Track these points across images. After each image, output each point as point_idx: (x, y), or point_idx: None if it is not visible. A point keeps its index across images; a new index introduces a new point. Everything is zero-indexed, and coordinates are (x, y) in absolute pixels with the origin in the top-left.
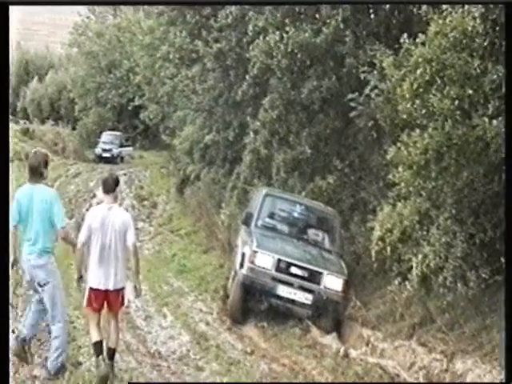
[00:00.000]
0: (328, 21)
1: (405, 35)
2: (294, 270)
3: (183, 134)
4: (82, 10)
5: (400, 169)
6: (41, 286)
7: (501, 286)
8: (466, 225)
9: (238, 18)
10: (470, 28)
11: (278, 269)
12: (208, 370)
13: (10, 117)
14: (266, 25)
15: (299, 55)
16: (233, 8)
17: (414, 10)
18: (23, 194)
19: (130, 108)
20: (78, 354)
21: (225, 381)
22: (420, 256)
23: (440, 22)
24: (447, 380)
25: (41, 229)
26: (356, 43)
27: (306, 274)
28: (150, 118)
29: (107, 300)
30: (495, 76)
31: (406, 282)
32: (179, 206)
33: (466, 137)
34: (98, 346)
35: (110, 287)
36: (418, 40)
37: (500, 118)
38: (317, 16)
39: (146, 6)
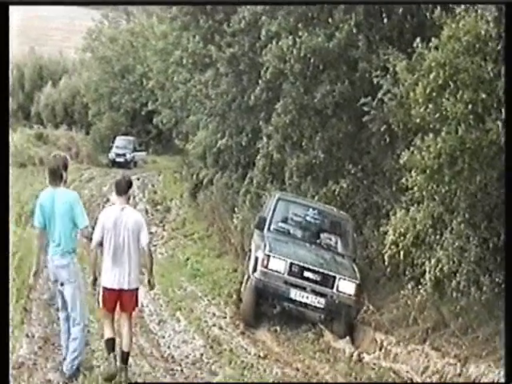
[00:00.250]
0: (341, 25)
1: (418, 39)
2: (306, 273)
3: (196, 139)
4: (96, 15)
5: (413, 173)
6: (62, 285)
7: None
8: (479, 229)
9: (250, 23)
10: (483, 32)
11: (290, 273)
12: (221, 374)
13: (24, 122)
14: (279, 29)
15: (312, 60)
16: (246, 13)
17: (427, 14)
18: (45, 197)
19: (143, 113)
20: (91, 358)
21: None
22: (433, 260)
23: (453, 26)
24: None
25: (63, 230)
26: (369, 47)
27: (318, 278)
28: (163, 122)
29: (120, 300)
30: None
31: (420, 287)
32: (192, 210)
33: (479, 141)
34: (110, 343)
35: (125, 286)
36: (431, 44)
37: None
38: (330, 20)
39: (159, 11)
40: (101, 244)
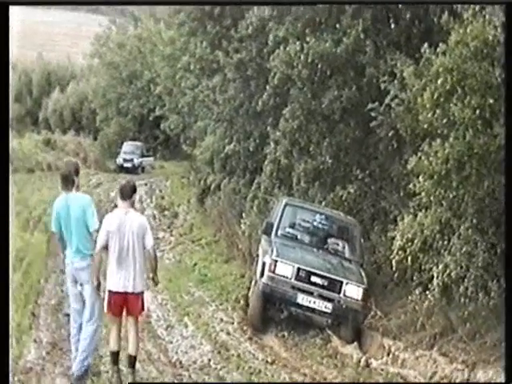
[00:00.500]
0: (348, 31)
1: (425, 45)
2: (313, 278)
3: (204, 144)
4: (104, 20)
5: (421, 178)
6: (82, 285)
7: None
8: (487, 234)
9: (258, 29)
10: (490, 37)
11: (297, 278)
12: (229, 379)
13: (32, 127)
14: (287, 35)
15: (320, 65)
16: (253, 18)
17: (435, 19)
18: (60, 203)
19: (150, 118)
20: (99, 364)
21: None
22: (441, 266)
23: (461, 31)
24: None
25: (79, 233)
26: (376, 53)
27: (325, 283)
28: (171, 128)
29: (126, 304)
30: None
31: (427, 292)
32: (200, 215)
33: (487, 146)
34: (114, 355)
35: (130, 290)
36: (438, 49)
37: None
38: (337, 26)
39: (166, 17)
40: (105, 248)
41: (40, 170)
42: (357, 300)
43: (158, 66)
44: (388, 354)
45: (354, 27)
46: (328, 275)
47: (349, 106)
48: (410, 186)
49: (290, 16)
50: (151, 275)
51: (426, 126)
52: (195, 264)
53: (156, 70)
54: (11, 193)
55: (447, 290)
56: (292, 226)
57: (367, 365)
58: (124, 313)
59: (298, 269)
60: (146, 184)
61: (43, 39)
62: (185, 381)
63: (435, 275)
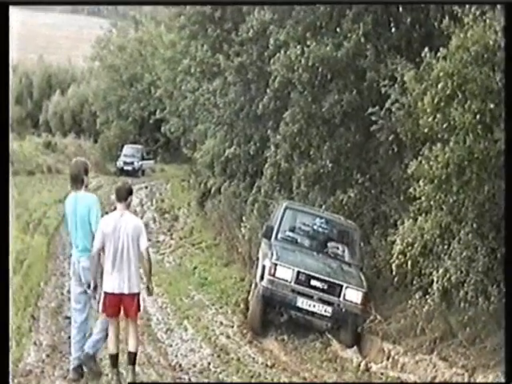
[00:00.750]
0: (349, 35)
1: (426, 49)
2: (313, 282)
3: (204, 148)
4: (105, 23)
5: (421, 183)
6: (89, 285)
7: None
8: (487, 239)
9: (259, 32)
10: (491, 42)
11: (297, 281)
12: (229, 382)
13: (33, 130)
14: (287, 39)
15: (320, 69)
16: (254, 22)
17: (436, 23)
18: (68, 202)
19: (151, 121)
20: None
21: None
22: (441, 270)
23: (461, 35)
24: None
25: (85, 233)
26: (377, 57)
27: (325, 287)
28: (171, 131)
29: (123, 305)
30: None
31: (427, 296)
32: (200, 219)
33: (487, 151)
34: (113, 358)
35: (125, 291)
36: (439, 54)
37: None
38: (338, 30)
39: (167, 20)
40: (102, 250)
41: (40, 173)
42: (356, 304)
43: (159, 68)
44: (388, 358)
45: (355, 31)
46: (328, 279)
47: (349, 110)
48: (411, 190)
49: (291, 20)
50: (146, 284)
51: (426, 130)
52: (195, 267)
53: (157, 73)
54: (11, 195)
55: (447, 294)
56: (292, 229)
57: (367, 369)
58: (122, 314)
59: (298, 272)
60: (146, 187)
61: (44, 42)
62: None
63: (435, 280)
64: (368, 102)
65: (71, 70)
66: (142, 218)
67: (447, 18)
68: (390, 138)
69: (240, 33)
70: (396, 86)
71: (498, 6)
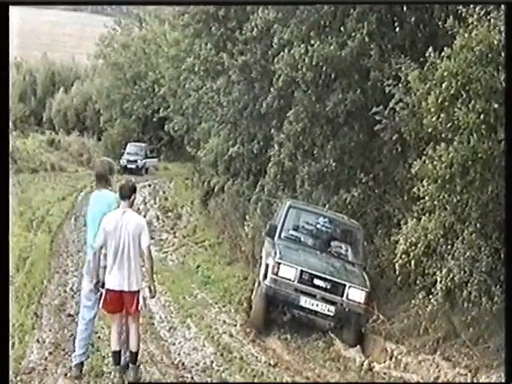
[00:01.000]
0: (353, 34)
1: (430, 49)
2: (316, 281)
3: (208, 146)
4: (109, 21)
5: (425, 182)
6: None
7: None
8: (490, 239)
9: (263, 31)
10: (495, 42)
11: (300, 280)
12: (231, 381)
13: (36, 127)
14: (291, 37)
15: (324, 68)
16: (258, 21)
17: (440, 23)
18: (92, 200)
19: (154, 119)
20: (102, 364)
21: None
22: (444, 270)
23: (466, 35)
24: None
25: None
26: (381, 56)
27: (328, 286)
28: (175, 129)
29: (123, 302)
30: None
31: (431, 296)
32: (203, 217)
33: (491, 151)
34: (116, 355)
35: (125, 288)
36: (443, 53)
37: None
38: (342, 29)
39: (171, 19)
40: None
41: (44, 171)
42: (359, 303)
43: (163, 67)
44: (391, 358)
45: (359, 30)
46: (331, 278)
47: (353, 110)
48: (414, 189)
49: (295, 19)
50: (148, 285)
51: (430, 130)
52: (198, 266)
53: (160, 72)
54: (15, 193)
55: (450, 294)
56: (295, 228)
57: (370, 368)
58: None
59: (301, 271)
60: (149, 185)
61: (48, 40)
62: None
63: (438, 279)
64: (372, 101)
65: (75, 68)
66: (145, 216)
67: (451, 17)
68: (394, 138)
69: (244, 31)
70: (400, 85)
71: (503, 6)
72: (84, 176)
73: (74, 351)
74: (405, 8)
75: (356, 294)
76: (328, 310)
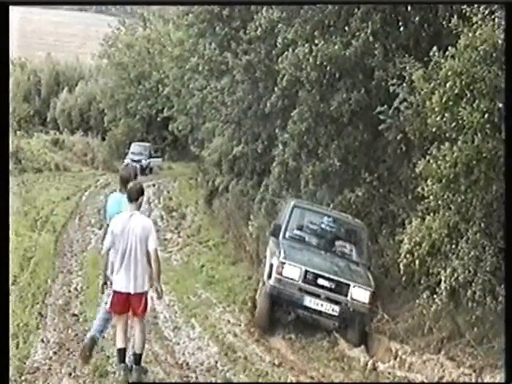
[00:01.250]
0: (357, 33)
1: (434, 48)
2: (321, 281)
3: (212, 146)
4: (113, 21)
5: (429, 182)
6: None
7: None
8: (495, 239)
9: (267, 31)
10: (500, 41)
11: (305, 280)
12: (236, 381)
13: (40, 127)
14: (296, 37)
15: (328, 68)
16: (262, 20)
17: (444, 22)
18: (114, 201)
19: (159, 119)
20: (106, 364)
21: None
22: (449, 270)
23: (470, 34)
24: None
25: None
26: (385, 56)
27: (333, 286)
28: (179, 129)
29: (130, 304)
30: None
31: (435, 296)
32: (207, 217)
33: (495, 150)
34: (121, 352)
35: (132, 290)
36: (447, 53)
37: None
38: (346, 29)
39: (175, 18)
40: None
41: (48, 170)
42: (364, 303)
43: (167, 66)
44: (395, 358)
45: (363, 30)
46: (335, 278)
47: (357, 109)
48: (419, 189)
49: (299, 18)
50: (155, 286)
51: (434, 129)
52: (203, 265)
53: (164, 71)
54: (19, 193)
55: (455, 294)
56: (300, 228)
57: (374, 368)
58: (130, 312)
59: (306, 271)
60: (153, 185)
61: (52, 40)
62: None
63: (443, 279)
64: (376, 100)
65: (79, 68)
66: (149, 216)
67: (456, 17)
68: (398, 137)
69: (248, 31)
70: (404, 84)
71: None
72: (88, 176)
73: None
74: (409, 7)
75: (360, 294)
76: (332, 310)
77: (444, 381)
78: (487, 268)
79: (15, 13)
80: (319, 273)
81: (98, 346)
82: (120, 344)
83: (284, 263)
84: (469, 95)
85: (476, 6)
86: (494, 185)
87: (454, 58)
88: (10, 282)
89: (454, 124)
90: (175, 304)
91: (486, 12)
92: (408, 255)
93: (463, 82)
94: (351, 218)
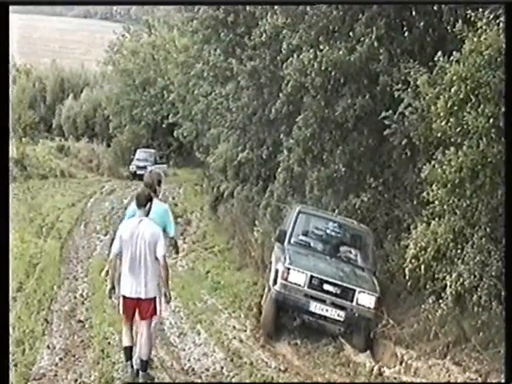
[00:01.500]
0: (362, 39)
1: (439, 53)
2: (326, 286)
3: (217, 152)
4: (117, 28)
5: (434, 187)
6: None
7: None
8: (500, 243)
9: (272, 36)
10: (504, 45)
11: (310, 285)
12: None
13: (46, 134)
14: (300, 43)
15: (333, 73)
16: (267, 26)
17: (449, 27)
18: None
19: (164, 125)
20: (112, 370)
21: None
22: (454, 274)
23: (475, 39)
24: None
25: None
26: (390, 61)
27: (338, 291)
28: (184, 135)
29: (139, 308)
30: None
31: (441, 301)
32: (213, 223)
33: (500, 155)
34: (127, 350)
35: (142, 296)
36: (452, 58)
37: None
38: (351, 34)
39: (180, 25)
40: (120, 255)
41: (53, 177)
42: (369, 308)
43: (172, 73)
44: (401, 363)
45: (368, 35)
46: (341, 283)
47: (362, 114)
48: (424, 194)
49: (304, 24)
50: (163, 291)
51: (439, 134)
52: (208, 271)
53: (169, 78)
54: (25, 199)
55: (460, 298)
56: (305, 233)
57: (380, 373)
58: (137, 317)
59: (311, 277)
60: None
61: (57, 46)
62: None
63: (448, 284)
64: (381, 106)
65: (84, 75)
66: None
67: (460, 21)
68: (403, 142)
69: (253, 37)
70: (409, 90)
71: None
72: (93, 182)
73: None
74: (413, 12)
75: (366, 299)
76: (338, 315)
77: None
78: (493, 273)
79: (20, 20)
80: (325, 278)
81: (104, 352)
82: (126, 342)
83: (289, 269)
84: (474, 100)
85: (481, 10)
86: (499, 189)
87: (458, 62)
88: (16, 289)
89: (459, 129)
90: (181, 310)
91: (491, 17)
92: (413, 260)
93: (468, 87)
94: (356, 223)
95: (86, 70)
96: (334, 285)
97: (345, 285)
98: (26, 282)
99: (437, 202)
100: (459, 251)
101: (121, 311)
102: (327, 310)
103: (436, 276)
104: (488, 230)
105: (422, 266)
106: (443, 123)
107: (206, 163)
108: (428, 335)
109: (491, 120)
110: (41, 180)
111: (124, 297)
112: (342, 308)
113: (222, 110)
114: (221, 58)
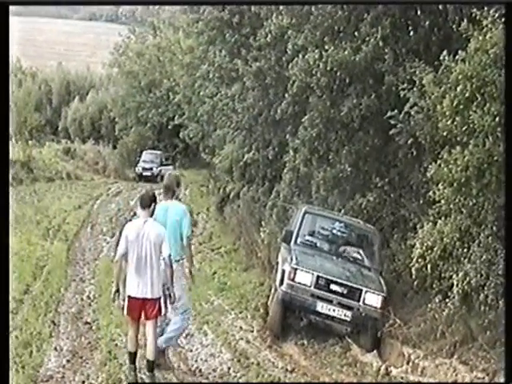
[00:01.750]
0: (367, 38)
1: (444, 52)
2: (333, 286)
3: (223, 153)
4: (123, 30)
5: (440, 186)
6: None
7: None
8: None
9: (277, 37)
10: (505, 46)
11: (317, 286)
12: None
13: (52, 136)
14: (305, 43)
15: (338, 73)
16: (272, 27)
17: (454, 26)
18: (159, 210)
19: (170, 127)
20: (119, 372)
21: None
22: (461, 274)
23: (480, 38)
24: None
25: (172, 239)
26: (395, 61)
27: (345, 291)
28: (190, 136)
29: (144, 309)
30: None
31: (447, 300)
32: (219, 224)
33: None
34: (131, 356)
35: (148, 296)
36: (457, 57)
37: None
38: (356, 34)
39: (185, 26)
40: (125, 255)
41: (60, 179)
42: (376, 308)
43: (177, 74)
44: (408, 363)
45: (373, 35)
46: (347, 283)
47: (368, 114)
48: (430, 193)
49: (309, 24)
50: (169, 290)
51: (445, 133)
52: (215, 272)
53: (175, 79)
54: (31, 202)
55: (467, 297)
56: (311, 233)
57: (387, 373)
58: (143, 317)
59: (318, 277)
60: None
61: (63, 49)
62: None
63: (455, 283)
64: (387, 105)
65: (90, 77)
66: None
67: (465, 20)
68: (409, 142)
69: (258, 38)
70: (415, 89)
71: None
72: (100, 184)
73: None
74: (419, 12)
75: (372, 299)
76: (345, 315)
77: None
78: (499, 271)
79: (26, 23)
80: (331, 278)
81: (111, 354)
82: (131, 348)
83: (296, 269)
84: (479, 99)
85: (486, 9)
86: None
87: (464, 61)
88: (23, 291)
89: (464, 128)
90: None
91: (496, 15)
92: (420, 259)
93: (474, 86)
94: (363, 223)
95: (91, 73)
96: (341, 285)
97: (351, 285)
98: (32, 284)
99: (443, 201)
100: (466, 250)
101: (125, 313)
102: (334, 310)
103: (442, 275)
104: (494, 228)
105: (429, 266)
106: (449, 122)
107: (211, 164)
108: (435, 334)
109: (497, 118)
110: (47, 182)
111: (130, 297)
112: (348, 308)
113: (227, 110)
114: (226, 59)
